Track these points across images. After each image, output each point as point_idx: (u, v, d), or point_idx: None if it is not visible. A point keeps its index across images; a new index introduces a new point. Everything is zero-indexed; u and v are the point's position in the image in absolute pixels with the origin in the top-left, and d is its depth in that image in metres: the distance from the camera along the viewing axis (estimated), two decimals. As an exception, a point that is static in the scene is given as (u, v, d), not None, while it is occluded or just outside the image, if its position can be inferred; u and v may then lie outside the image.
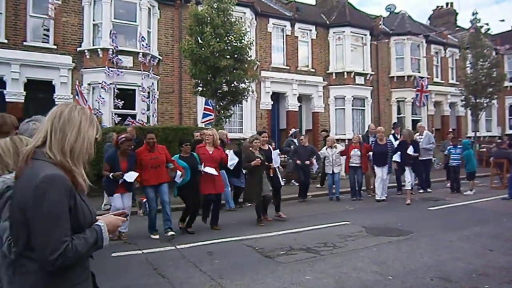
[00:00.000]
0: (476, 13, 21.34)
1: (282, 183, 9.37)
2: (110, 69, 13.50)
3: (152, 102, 15.00)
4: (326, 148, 11.67)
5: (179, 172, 7.20)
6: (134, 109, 14.36)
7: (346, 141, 17.76)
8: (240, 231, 7.45)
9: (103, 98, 13.56)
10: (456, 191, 12.18)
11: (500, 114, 27.56)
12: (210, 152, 7.77)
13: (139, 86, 14.29)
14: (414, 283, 4.64)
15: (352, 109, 20.73)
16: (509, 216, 8.60)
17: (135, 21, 14.65)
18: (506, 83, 25.85)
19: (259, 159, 7.94)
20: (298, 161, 11.03)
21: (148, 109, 14.81)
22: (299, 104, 20.02)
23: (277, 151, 9.42)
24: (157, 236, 7.08)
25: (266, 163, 8.25)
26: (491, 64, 20.67)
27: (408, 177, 10.78)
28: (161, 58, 15.77)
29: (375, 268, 5.12)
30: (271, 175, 8.42)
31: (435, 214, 9.12)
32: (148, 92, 14.75)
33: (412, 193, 11.79)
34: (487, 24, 21.49)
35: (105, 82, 13.45)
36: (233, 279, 4.88)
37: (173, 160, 7.39)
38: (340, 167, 11.62)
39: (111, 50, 13.57)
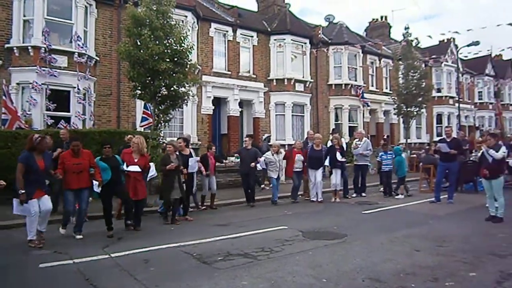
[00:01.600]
0: (408, 27, 22.58)
1: (194, 190, 9.81)
2: (42, 68, 12.80)
3: (88, 104, 14.41)
4: (272, 154, 11.67)
5: (95, 182, 7.42)
6: (68, 111, 13.70)
7: (286, 146, 18.06)
8: (178, 237, 7.31)
9: (34, 99, 12.81)
10: (389, 195, 12.77)
11: (429, 122, 29.42)
12: (136, 160, 8.09)
13: (74, 87, 13.67)
14: (347, 284, 4.78)
15: (292, 115, 21.21)
16: (435, 218, 9.12)
17: (71, 19, 14.03)
18: (434, 94, 27.66)
19: (173, 164, 8.44)
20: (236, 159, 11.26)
21: (84, 112, 14.20)
22: (240, 109, 20.14)
23: (196, 158, 9.59)
24: (64, 231, 7.48)
25: (182, 168, 8.78)
26: (421, 76, 22.01)
27: (334, 179, 11.64)
28: (98, 59, 15.22)
29: (310, 272, 5.22)
30: (183, 180, 8.79)
31: (369, 218, 9.48)
32: (84, 94, 14.16)
33: (348, 197, 12.29)
34: (416, 38, 22.84)
35: (36, 82, 12.73)
36: (169, 286, 4.78)
37: (96, 166, 7.52)
38: (283, 172, 11.86)
39: (43, 48, 12.88)
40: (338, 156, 11.54)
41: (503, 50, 37.79)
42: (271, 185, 12.34)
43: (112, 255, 6.19)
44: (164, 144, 9.75)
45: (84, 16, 14.59)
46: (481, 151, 9.36)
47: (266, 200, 11.98)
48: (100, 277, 5.19)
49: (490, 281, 4.86)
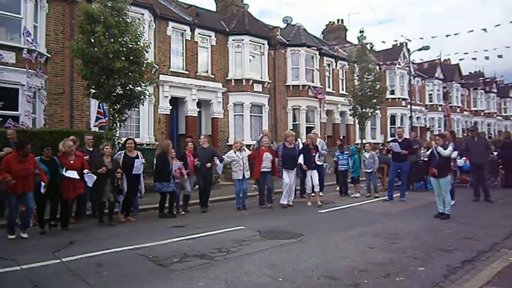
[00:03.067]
0: (363, 31, 23.20)
1: (142, 193, 9.51)
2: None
3: (39, 103, 13.80)
4: (235, 152, 10.76)
5: (43, 183, 7.45)
6: (17, 110, 13.05)
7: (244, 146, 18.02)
8: (133, 240, 7.15)
9: (-23, 98, 12.12)
10: (344, 194, 13.07)
11: (383, 123, 30.37)
12: (72, 162, 8.15)
13: (23, 85, 13.03)
14: (303, 283, 4.85)
15: (250, 115, 21.29)
16: (388, 216, 9.43)
17: (19, 14, 13.34)
18: (388, 96, 28.59)
19: (105, 168, 8.39)
20: (196, 162, 10.21)
21: (34, 111, 13.58)
22: (198, 109, 19.98)
23: (141, 160, 9.16)
24: (13, 236, 7.34)
25: (117, 172, 8.60)
26: (375, 78, 22.64)
27: (309, 182, 11.08)
28: (49, 56, 14.60)
29: (267, 271, 5.25)
30: (116, 184, 8.64)
31: (325, 217, 9.67)
32: (34, 92, 13.54)
33: (305, 196, 12.40)
34: (371, 43, 23.52)
35: (-19, 80, 12.06)
36: (123, 290, 4.66)
37: (40, 168, 7.56)
38: (248, 172, 10.81)
39: (-12, 44, 12.22)
40: (316, 158, 11.16)
41: (449, 55, 39.53)
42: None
43: (64, 259, 5.97)
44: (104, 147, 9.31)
45: (34, 10, 13.92)
46: (430, 150, 9.79)
47: (224, 201, 11.94)
48: (50, 283, 5.00)
49: (438, 275, 5.08)
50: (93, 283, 4.91)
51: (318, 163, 11.54)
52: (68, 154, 8.18)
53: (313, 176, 11.04)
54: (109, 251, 6.43)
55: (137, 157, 9.17)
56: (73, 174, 7.97)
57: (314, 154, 11.11)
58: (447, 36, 19.84)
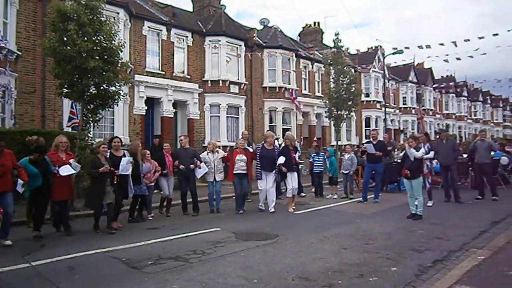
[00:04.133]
0: (338, 34, 23.50)
1: (131, 193, 8.79)
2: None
3: (8, 102, 13.40)
4: (207, 153, 10.57)
5: (20, 181, 6.96)
6: (-15, 109, 12.67)
7: (221, 148, 17.98)
8: (106, 242, 7.03)
9: None
10: (320, 195, 13.18)
11: (358, 125, 30.80)
12: (64, 158, 7.92)
13: (-8, 83, 12.65)
14: (277, 284, 4.86)
15: (227, 116, 21.24)
16: (362, 217, 9.56)
17: (-12, 10, 12.96)
18: (363, 98, 29.02)
19: (107, 166, 7.85)
20: (181, 166, 9.92)
21: (3, 111, 13.19)
22: (174, 110, 19.80)
23: (129, 158, 8.56)
24: (9, 242, 6.86)
25: (115, 171, 8.08)
26: (350, 81, 22.95)
27: (290, 183, 10.59)
28: (20, 53, 14.19)
29: (241, 273, 5.24)
30: (115, 182, 8.10)
31: (300, 218, 9.72)
32: (4, 91, 13.13)
33: (281, 198, 12.43)
34: (347, 48, 23.84)
35: None
36: (95, 294, 4.57)
37: (19, 166, 7.12)
38: (222, 175, 10.64)
39: (-45, 40, 11.80)
40: (297, 159, 11.05)
41: (423, 60, 40.40)
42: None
43: (33, 263, 5.81)
44: (93, 145, 9.09)
45: (4, 6, 13.52)
46: (403, 151, 9.97)
47: (200, 202, 11.81)
48: (18, 287, 4.85)
49: (410, 274, 5.17)
50: (64, 287, 4.80)
51: (300, 161, 11.52)
52: (60, 150, 7.96)
53: (292, 179, 10.59)
54: (81, 254, 6.30)
55: (123, 156, 8.59)
56: (68, 170, 7.72)
57: (294, 155, 10.75)
58: (419, 47, 20.23)
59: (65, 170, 7.69)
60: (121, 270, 5.52)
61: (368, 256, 6.02)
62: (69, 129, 12.94)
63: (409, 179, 9.29)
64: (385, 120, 29.14)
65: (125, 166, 8.32)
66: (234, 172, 10.38)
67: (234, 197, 11.17)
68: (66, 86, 10.88)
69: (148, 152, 9.89)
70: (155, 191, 10.50)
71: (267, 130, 20.02)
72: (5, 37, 13.14)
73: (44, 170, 7.42)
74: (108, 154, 8.44)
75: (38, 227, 7.61)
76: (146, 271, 5.38)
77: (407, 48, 22.41)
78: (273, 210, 10.35)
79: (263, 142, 10.80)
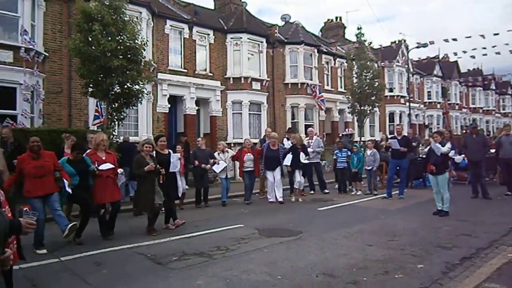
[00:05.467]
0: (360, 28, 23.17)
1: (181, 191, 8.88)
2: (-14, 64, 12.08)
3: (36, 102, 13.76)
4: (218, 153, 11.45)
5: (66, 182, 6.66)
6: (15, 109, 13.02)
7: (236, 145, 18.05)
8: (132, 238, 7.16)
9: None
10: (343, 191, 13.07)
11: (382, 120, 30.37)
12: (103, 158, 7.42)
13: (21, 84, 12.99)
14: (301, 281, 4.84)
15: (249, 113, 21.22)
16: (387, 213, 9.45)
17: (16, 12, 13.30)
18: (386, 93, 28.60)
19: (152, 164, 7.54)
20: (203, 165, 10.79)
21: (32, 110, 13.55)
22: (197, 107, 19.94)
23: (177, 155, 8.59)
24: (44, 251, 6.36)
25: (160, 169, 7.75)
26: (373, 75, 22.62)
27: (298, 177, 11.44)
28: (47, 54, 14.55)
29: (265, 269, 5.25)
30: (161, 181, 7.82)
31: (324, 214, 9.66)
32: (32, 92, 13.49)
33: (304, 194, 12.41)
34: (370, 43, 23.52)
35: (-23, 79, 12.00)
36: (121, 289, 4.66)
37: (61, 168, 6.78)
38: (232, 172, 11.61)
39: (-14, 43, 12.16)
40: (302, 157, 11.41)
41: (446, 54, 39.50)
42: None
43: (62, 258, 5.98)
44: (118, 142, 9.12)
45: (31, 9, 13.88)
46: (428, 146, 9.79)
47: (217, 200, 11.90)
48: (48, 282, 5.01)
49: (437, 271, 5.08)
50: (92, 282, 4.91)
51: (305, 161, 11.61)
52: (100, 149, 7.51)
53: (298, 174, 11.46)
54: (107, 250, 6.43)
55: (169, 154, 8.40)
56: (107, 165, 7.28)
57: (301, 154, 11.47)
58: (445, 41, 19.71)
59: (105, 166, 7.27)
60: (147, 265, 5.61)
61: (393, 253, 5.95)
62: (95, 128, 13.18)
63: (434, 174, 9.11)
64: (409, 115, 28.63)
65: (175, 163, 8.24)
66: (244, 170, 11.51)
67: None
68: (91, 85, 11.12)
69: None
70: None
71: (289, 127, 20.00)
72: (33, 39, 13.49)
73: (81, 170, 7.08)
74: (155, 153, 8.16)
75: (79, 230, 7.02)
76: (171, 267, 5.45)
77: (432, 43, 21.87)
78: (273, 200, 11.29)
79: (268, 142, 11.68)
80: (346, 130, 17.54)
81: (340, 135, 19.07)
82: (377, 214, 9.30)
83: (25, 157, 6.56)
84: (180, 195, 9.11)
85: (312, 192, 13.09)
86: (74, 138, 8.93)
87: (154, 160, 7.80)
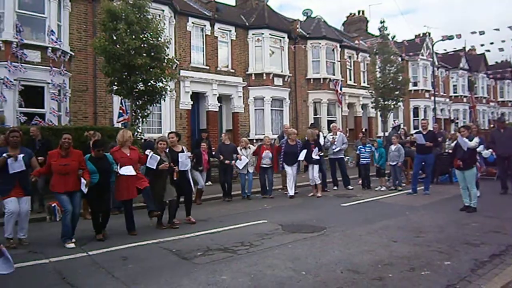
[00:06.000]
0: (384, 21, 22.80)
1: (201, 185, 9.03)
2: (13, 64, 12.43)
3: (63, 100, 14.10)
4: (241, 149, 11.62)
5: (83, 181, 6.68)
6: (43, 108, 13.38)
7: (259, 141, 18.03)
8: (157, 233, 7.26)
9: (4, 97, 12.44)
10: (367, 187, 12.93)
11: (406, 115, 29.90)
12: (128, 154, 7.40)
13: (49, 83, 13.34)
14: (325, 276, 4.82)
15: (271, 109, 21.25)
16: (412, 209, 9.29)
17: (43, 13, 13.65)
18: (410, 87, 28.12)
19: (166, 163, 7.64)
20: (227, 161, 11.04)
21: (59, 108, 13.89)
22: (219, 104, 20.05)
23: (187, 153, 8.66)
24: (72, 245, 6.47)
25: (174, 167, 7.87)
26: (397, 70, 22.27)
27: (311, 173, 11.60)
28: (73, 54, 14.90)
29: (290, 265, 5.25)
30: (175, 178, 7.95)
31: (347, 210, 9.59)
32: (59, 90, 13.84)
33: (326, 190, 12.35)
34: (394, 36, 23.11)
35: (7, 78, 12.36)
36: (148, 283, 4.73)
37: (85, 168, 6.84)
38: (253, 167, 11.68)
39: (15, 43, 12.51)
40: (314, 153, 11.42)
41: (473, 46, 38.47)
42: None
43: (90, 253, 6.10)
44: (143, 140, 9.25)
45: (58, 9, 14.23)
46: (455, 141, 9.58)
47: (239, 196, 11.95)
48: (77, 275, 5.10)
49: (465, 269, 4.98)
50: (119, 276, 5.00)
51: (316, 157, 11.55)
52: (125, 146, 7.49)
53: (313, 170, 11.59)
54: (133, 244, 6.53)
55: (181, 151, 8.45)
56: (129, 170, 7.18)
57: (313, 149, 11.46)
58: (472, 33, 19.12)
59: (126, 171, 7.20)
60: (172, 260, 5.68)
61: (419, 249, 5.86)
62: (119, 125, 13.41)
63: (461, 170, 8.91)
64: (434, 109, 28.07)
65: (184, 161, 8.25)
66: (261, 165, 11.66)
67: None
68: (115, 83, 11.31)
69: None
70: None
71: (311, 123, 19.85)
72: (59, 39, 13.81)
73: (102, 168, 7.01)
74: (168, 150, 8.23)
75: (98, 229, 7.08)
76: (196, 262, 5.50)
77: (459, 36, 21.23)
78: (292, 193, 11.48)
79: (287, 138, 11.83)
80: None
81: (363, 130, 18.89)
82: (402, 210, 9.16)
83: (54, 153, 6.77)
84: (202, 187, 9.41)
85: (335, 188, 13.00)
86: (99, 135, 9.10)
87: (169, 157, 7.90)
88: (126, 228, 7.43)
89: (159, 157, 7.55)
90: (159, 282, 4.77)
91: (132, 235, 7.26)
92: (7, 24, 12.87)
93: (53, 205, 8.49)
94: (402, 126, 18.23)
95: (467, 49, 36.08)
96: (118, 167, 7.20)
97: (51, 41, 13.38)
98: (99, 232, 7.04)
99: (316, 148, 11.56)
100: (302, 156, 11.43)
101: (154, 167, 7.52)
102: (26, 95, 12.85)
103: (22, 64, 12.64)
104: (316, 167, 11.65)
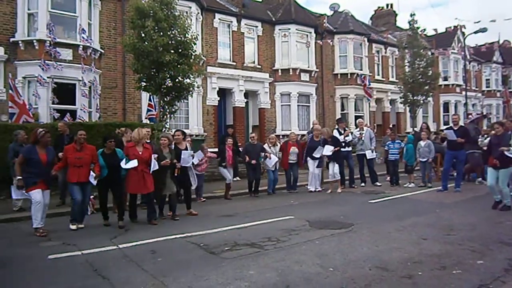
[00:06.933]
0: (414, 14, 22.31)
1: (194, 184, 9.22)
2: (47, 62, 12.80)
3: (94, 97, 14.44)
4: (270, 147, 11.80)
5: (92, 173, 7.38)
6: (74, 104, 13.74)
7: (285, 137, 17.98)
8: (184, 228, 7.34)
9: (38, 94, 12.84)
10: (395, 184, 12.72)
11: (436, 110, 29.18)
12: (140, 153, 7.79)
13: (80, 80, 13.68)
14: (354, 273, 4.78)
15: (298, 105, 21.14)
16: (442, 206, 9.10)
17: (75, 12, 13.99)
18: (440, 82, 27.41)
19: (168, 160, 8.11)
20: (253, 161, 11.10)
21: (90, 105, 14.23)
22: (245, 100, 20.10)
23: (189, 152, 8.97)
24: (74, 227, 7.40)
25: (176, 163, 8.37)
26: (427, 64, 21.76)
27: (331, 169, 11.65)
28: (103, 51, 15.21)
29: (317, 261, 5.23)
30: (176, 174, 8.34)
31: (375, 207, 9.48)
32: (90, 87, 14.17)
33: (354, 186, 12.24)
34: (424, 29, 22.61)
35: (41, 76, 12.74)
36: (176, 276, 4.80)
37: (97, 162, 7.51)
38: (278, 164, 11.85)
39: (48, 42, 12.87)
40: (327, 150, 11.47)
41: (507, 39, 37.15)
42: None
43: (120, 246, 6.24)
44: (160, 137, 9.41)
45: (88, 8, 14.56)
46: (487, 138, 9.26)
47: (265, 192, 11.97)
48: (108, 267, 5.23)
49: (498, 268, 4.84)
50: (148, 269, 5.09)
51: (327, 154, 11.57)
52: (140, 144, 7.89)
53: (332, 166, 11.69)
54: (162, 238, 6.64)
55: (185, 149, 8.98)
56: (132, 163, 7.56)
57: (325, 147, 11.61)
58: (506, 20, 18.51)
59: (130, 164, 7.59)
60: (200, 254, 5.74)
61: (450, 248, 5.73)
62: (147, 121, 13.64)
63: (497, 168, 8.55)
64: (465, 104, 27.24)
65: (186, 158, 8.70)
66: (289, 162, 11.80)
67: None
68: (144, 80, 11.49)
69: (205, 147, 10.71)
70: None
71: (338, 118, 19.67)
72: (89, 37, 14.13)
73: (112, 163, 7.61)
74: (173, 146, 8.74)
75: (106, 216, 7.84)
76: (223, 257, 5.55)
77: (493, 21, 20.35)
78: (312, 189, 11.83)
79: (312, 134, 12.20)
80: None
81: (391, 125, 18.49)
82: (432, 207, 8.98)
83: (70, 148, 7.51)
84: (193, 187, 9.41)
85: (363, 184, 12.85)
86: (130, 131, 9.34)
87: (172, 153, 8.41)
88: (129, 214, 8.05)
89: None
90: (187, 275, 4.83)
91: (152, 224, 7.77)
92: (40, 24, 13.27)
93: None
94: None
95: (500, 42, 34.86)
96: (124, 162, 7.66)
97: (82, 39, 13.70)
98: (107, 219, 7.85)
99: (331, 145, 11.59)
100: (317, 153, 11.63)
101: (157, 167, 7.96)
102: (58, 92, 13.21)
103: (57, 62, 13.00)
104: (334, 163, 11.70)
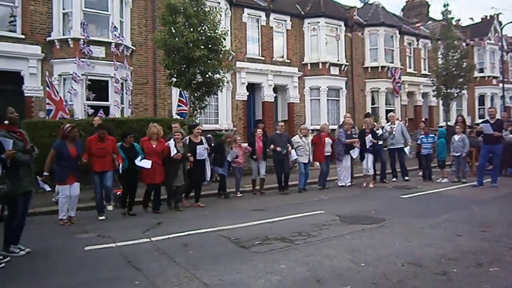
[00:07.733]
0: (447, 5, 21.65)
1: (208, 177, 9.71)
2: (81, 59, 13.17)
3: (126, 93, 14.75)
4: (301, 137, 11.29)
5: (120, 164, 8.06)
6: (107, 100, 14.09)
7: (314, 132, 17.84)
8: (215, 222, 7.42)
9: (75, 90, 13.24)
10: (428, 179, 12.44)
11: (470, 103, 28.30)
12: (154, 146, 8.47)
13: (112, 77, 14.01)
14: (386, 269, 4.72)
15: (327, 99, 20.93)
16: (477, 202, 8.84)
17: (107, 11, 14.31)
18: (476, 74, 26.52)
19: (179, 154, 8.55)
20: (272, 147, 10.64)
21: (122, 101, 14.55)
22: (274, 94, 20.06)
23: (203, 146, 9.29)
24: (103, 217, 8.01)
25: (189, 156, 8.83)
26: (461, 55, 21.14)
27: (365, 163, 11.58)
28: (134, 48, 15.50)
29: (348, 256, 5.19)
30: (188, 167, 8.88)
31: (408, 202, 9.31)
32: (122, 83, 14.49)
33: (386, 181, 12.06)
34: (459, 20, 21.95)
35: (75, 73, 13.11)
36: (208, 269, 4.86)
37: (117, 152, 8.17)
38: (311, 156, 11.43)
39: (82, 40, 13.22)
40: (367, 140, 11.33)
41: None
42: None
43: (153, 239, 6.37)
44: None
45: (120, 6, 14.85)
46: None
47: (296, 186, 11.91)
48: (141, 260, 5.35)
49: (538, 267, 4.69)
50: (180, 262, 5.18)
51: (369, 144, 11.46)
52: (153, 138, 8.56)
53: (368, 160, 11.54)
54: (193, 232, 6.74)
55: (200, 142, 9.30)
56: (145, 164, 8.25)
57: (366, 137, 11.48)
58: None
59: (142, 163, 8.27)
60: (231, 248, 5.80)
61: (486, 245, 5.56)
62: (178, 116, 13.83)
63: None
64: (502, 97, 26.33)
65: (201, 152, 9.17)
66: (325, 154, 11.47)
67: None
68: (175, 76, 11.65)
69: (238, 138, 11.05)
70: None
71: (367, 112, 19.40)
72: (121, 34, 14.43)
73: (129, 156, 8.31)
74: (188, 140, 9.25)
75: (125, 205, 8.59)
76: (254, 251, 5.58)
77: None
78: (342, 184, 11.68)
79: (343, 127, 11.82)
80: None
81: (424, 119, 18.00)
82: (467, 203, 8.73)
83: (93, 139, 8.05)
84: (208, 179, 10.00)
85: (394, 179, 12.63)
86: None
87: (186, 147, 8.89)
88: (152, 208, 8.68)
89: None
90: (219, 268, 4.89)
91: (156, 213, 8.45)
92: (74, 22, 13.64)
93: (118, 193, 9.02)
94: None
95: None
96: (139, 158, 8.32)
97: (114, 37, 14.01)
98: (129, 208, 8.49)
99: (370, 135, 11.45)
100: (354, 153, 11.51)
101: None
102: (92, 89, 13.57)
103: (90, 60, 13.35)
104: (371, 156, 11.53)
